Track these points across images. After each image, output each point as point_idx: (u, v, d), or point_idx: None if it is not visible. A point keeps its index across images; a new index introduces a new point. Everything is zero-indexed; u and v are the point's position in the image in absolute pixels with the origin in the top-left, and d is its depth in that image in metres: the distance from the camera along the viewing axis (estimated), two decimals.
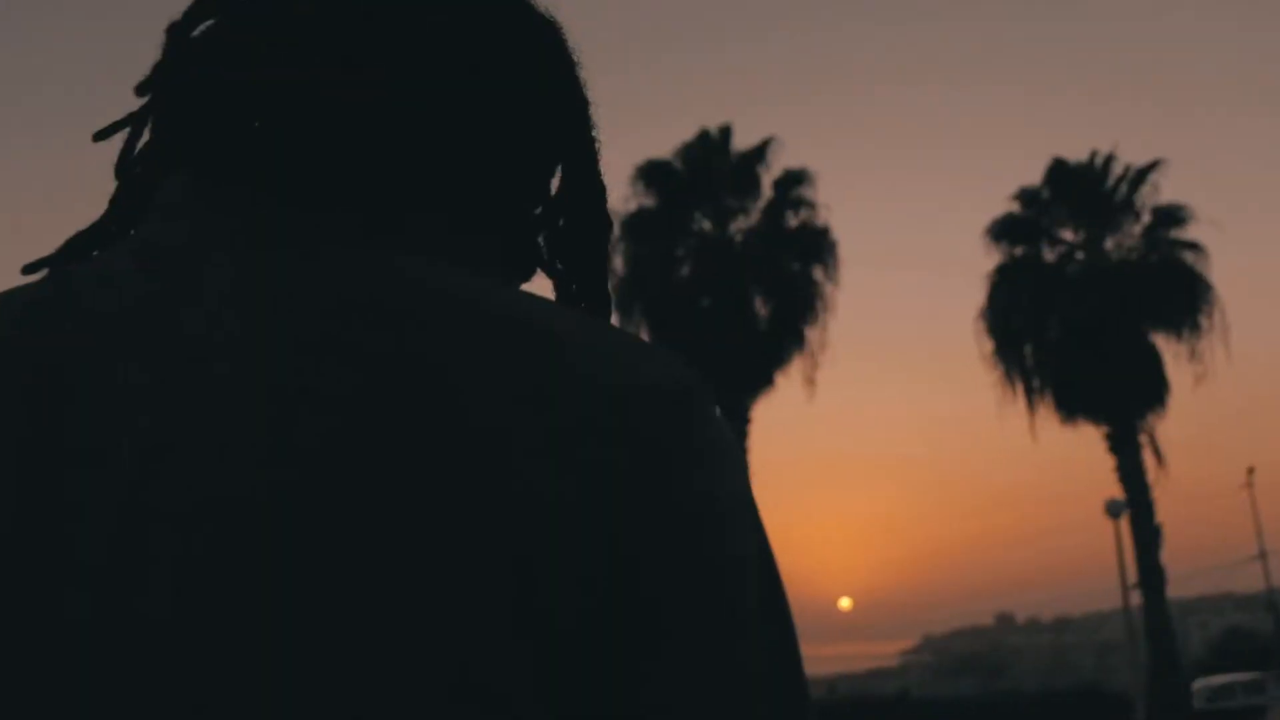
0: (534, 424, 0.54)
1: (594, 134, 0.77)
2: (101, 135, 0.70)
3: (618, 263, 21.11)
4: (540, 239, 0.75)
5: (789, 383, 21.37)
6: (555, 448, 0.54)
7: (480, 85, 0.68)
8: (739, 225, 21.32)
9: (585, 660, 0.52)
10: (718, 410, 0.61)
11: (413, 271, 0.59)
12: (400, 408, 0.53)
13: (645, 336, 21.09)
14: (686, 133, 26.22)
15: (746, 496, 0.60)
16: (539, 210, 0.74)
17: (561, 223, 0.75)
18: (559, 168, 0.75)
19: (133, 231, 0.66)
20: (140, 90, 0.68)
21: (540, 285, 0.76)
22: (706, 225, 21.39)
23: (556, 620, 0.52)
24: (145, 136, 0.68)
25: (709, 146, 21.57)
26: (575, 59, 0.76)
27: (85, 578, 0.52)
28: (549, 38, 0.74)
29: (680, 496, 0.56)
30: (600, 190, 0.76)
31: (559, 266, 0.75)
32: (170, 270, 0.60)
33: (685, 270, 21.08)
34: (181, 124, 0.66)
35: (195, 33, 0.68)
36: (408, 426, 0.52)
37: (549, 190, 0.74)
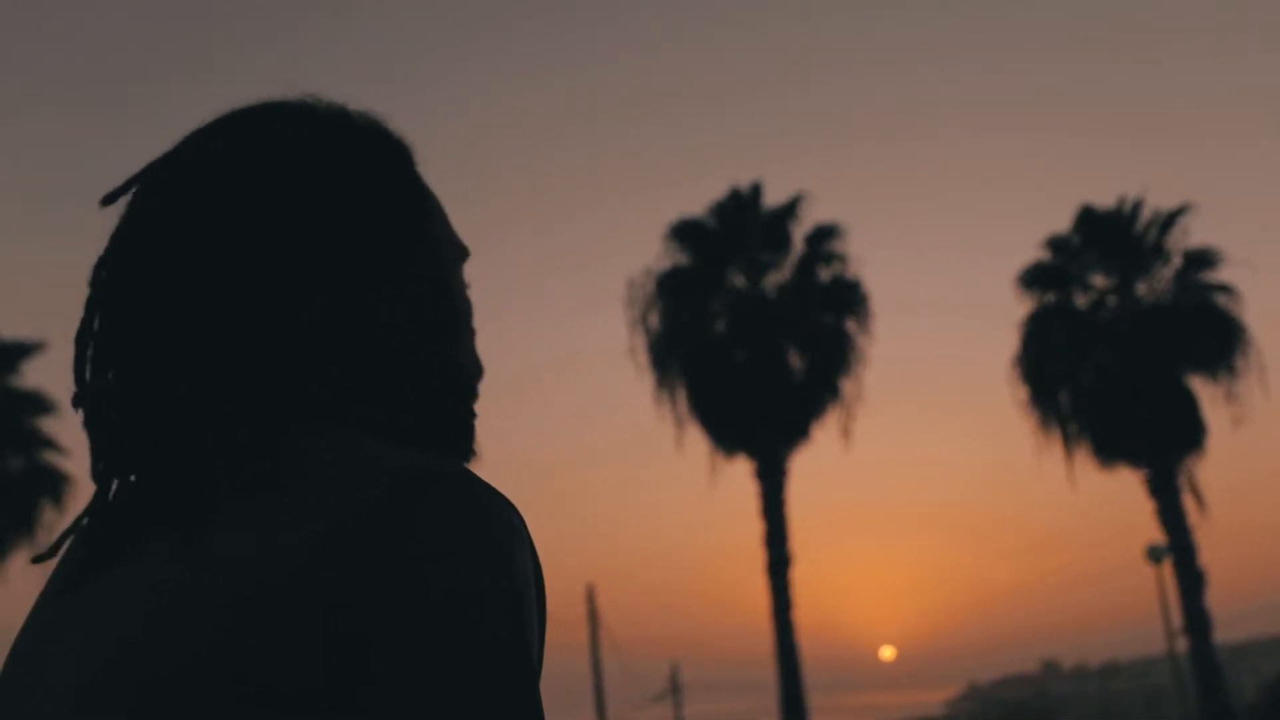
0: (288, 529, 0.71)
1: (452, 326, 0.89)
2: (40, 559, 0.88)
3: (653, 320, 21.40)
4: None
5: (825, 434, 21.36)
6: (288, 544, 0.70)
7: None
8: (772, 280, 21.56)
9: None
10: (476, 504, 0.73)
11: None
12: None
13: (682, 392, 21.39)
14: (718, 190, 26.21)
15: (480, 585, 0.69)
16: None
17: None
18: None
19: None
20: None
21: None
22: (740, 281, 21.64)
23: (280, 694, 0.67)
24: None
25: (740, 203, 21.86)
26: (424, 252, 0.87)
27: None
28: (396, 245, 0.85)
29: (402, 584, 0.68)
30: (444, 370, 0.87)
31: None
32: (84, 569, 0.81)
33: (720, 326, 21.29)
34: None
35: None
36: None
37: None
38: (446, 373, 0.88)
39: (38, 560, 0.91)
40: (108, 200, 0.87)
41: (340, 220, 0.83)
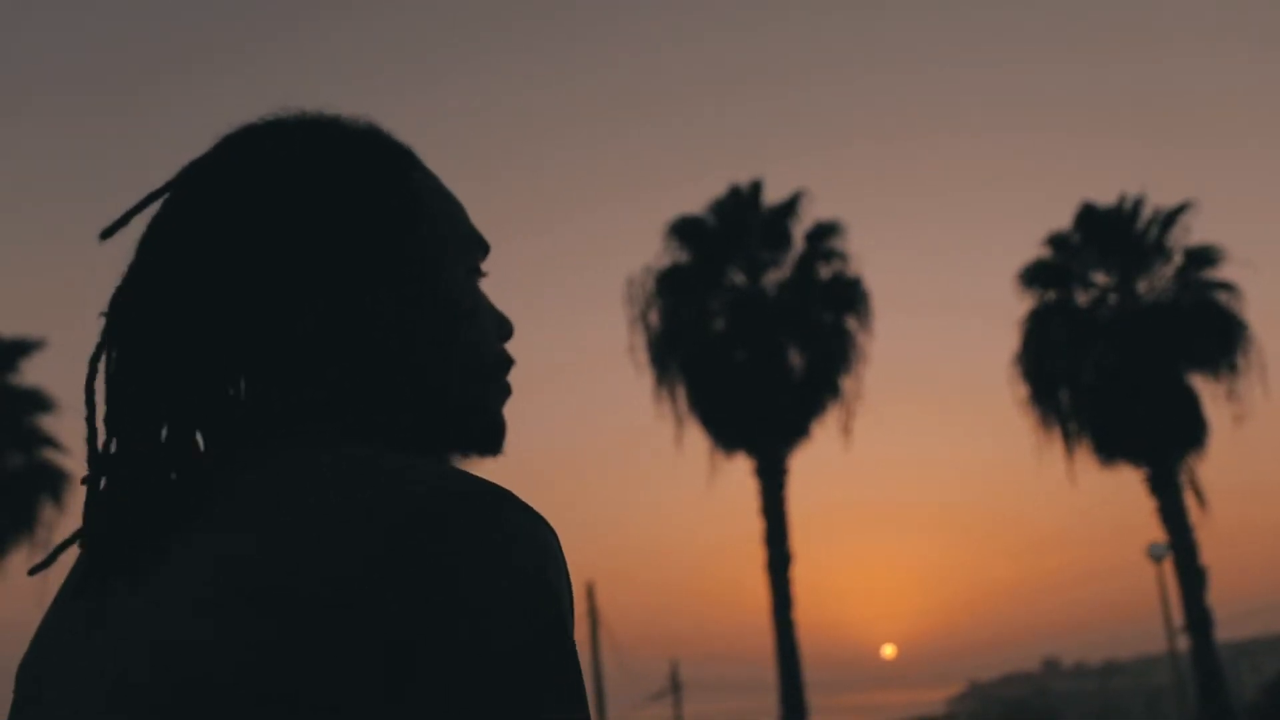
0: (315, 544, 0.70)
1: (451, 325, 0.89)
2: (36, 570, 0.93)
3: (653, 318, 21.38)
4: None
5: (825, 433, 21.30)
6: (322, 559, 0.69)
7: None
8: (772, 278, 21.53)
9: None
10: (508, 522, 0.72)
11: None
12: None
13: (682, 391, 21.40)
14: (717, 188, 26.16)
15: (508, 593, 0.69)
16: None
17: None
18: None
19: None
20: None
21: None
22: (739, 279, 21.61)
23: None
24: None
25: (740, 201, 21.84)
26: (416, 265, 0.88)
27: None
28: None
29: (433, 595, 0.68)
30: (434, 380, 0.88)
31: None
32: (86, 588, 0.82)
33: (720, 324, 21.26)
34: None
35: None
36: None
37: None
38: (446, 372, 0.89)
39: (35, 571, 0.93)
40: (107, 234, 0.90)
41: (335, 228, 0.86)
